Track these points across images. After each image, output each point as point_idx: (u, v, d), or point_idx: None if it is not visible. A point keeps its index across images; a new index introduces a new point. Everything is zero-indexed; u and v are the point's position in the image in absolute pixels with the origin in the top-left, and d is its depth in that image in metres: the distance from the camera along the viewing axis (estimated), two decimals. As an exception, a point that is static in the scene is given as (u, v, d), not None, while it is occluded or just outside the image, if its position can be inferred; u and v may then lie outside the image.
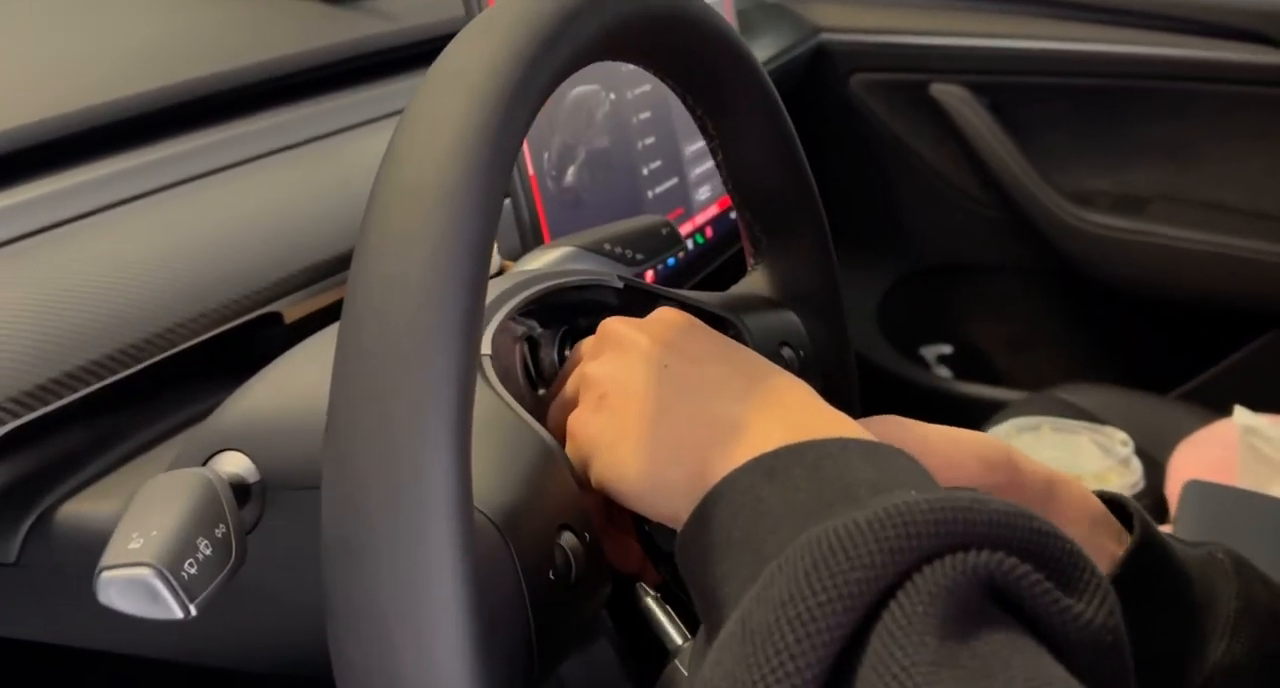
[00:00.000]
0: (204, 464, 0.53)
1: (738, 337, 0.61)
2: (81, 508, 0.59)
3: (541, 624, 0.41)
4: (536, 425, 0.47)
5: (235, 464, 0.53)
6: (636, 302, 0.61)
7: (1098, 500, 0.51)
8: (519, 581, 0.41)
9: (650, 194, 0.96)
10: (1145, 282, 1.59)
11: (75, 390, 0.60)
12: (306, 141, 0.82)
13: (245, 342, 0.71)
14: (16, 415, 0.58)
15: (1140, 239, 1.56)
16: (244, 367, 0.74)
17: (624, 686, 0.51)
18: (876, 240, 1.76)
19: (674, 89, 0.58)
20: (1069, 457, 0.95)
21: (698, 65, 0.57)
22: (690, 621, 0.49)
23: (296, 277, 0.73)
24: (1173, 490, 1.15)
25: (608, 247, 0.68)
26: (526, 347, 0.60)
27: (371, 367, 0.36)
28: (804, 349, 0.64)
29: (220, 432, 0.53)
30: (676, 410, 0.47)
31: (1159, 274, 1.57)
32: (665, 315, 0.53)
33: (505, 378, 0.59)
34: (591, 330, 0.62)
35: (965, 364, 1.74)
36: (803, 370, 0.64)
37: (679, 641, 0.48)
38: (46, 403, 0.59)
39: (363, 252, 0.38)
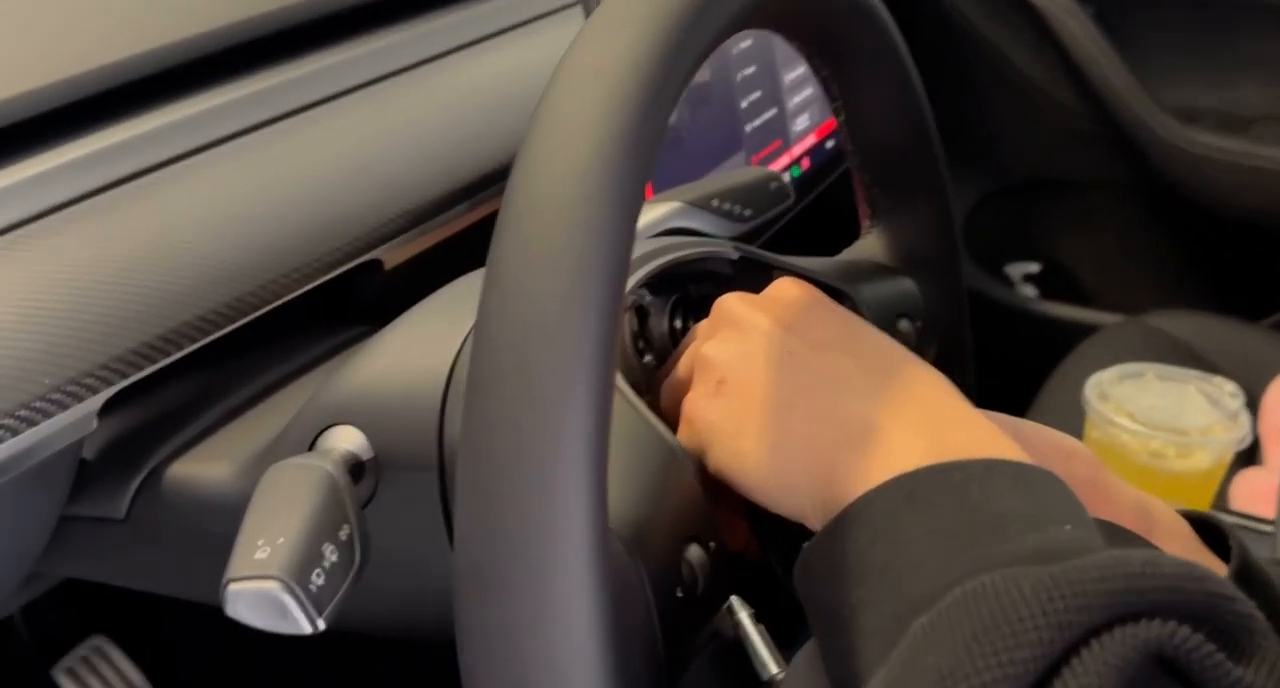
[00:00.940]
0: (316, 439, 0.53)
1: (853, 310, 0.59)
2: (189, 469, 0.59)
3: (670, 641, 0.41)
4: (662, 428, 0.46)
5: (349, 441, 0.52)
6: (751, 270, 0.59)
7: (1187, 524, 0.49)
8: (648, 601, 0.40)
9: (749, 128, 0.93)
10: (1246, 205, 1.53)
11: (180, 347, 0.60)
12: (393, 74, 0.79)
13: (344, 290, 0.70)
14: (123, 375, 0.57)
15: (1244, 161, 1.49)
16: (343, 315, 0.73)
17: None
18: (964, 153, 1.70)
19: (801, 50, 0.55)
20: (1174, 406, 0.93)
21: (832, 29, 0.54)
22: (781, 640, 0.48)
23: (395, 221, 0.72)
24: (1267, 428, 1.12)
25: (715, 202, 0.66)
26: (636, 316, 0.59)
27: (507, 392, 0.35)
28: (921, 319, 0.62)
29: (333, 406, 0.53)
30: (802, 406, 0.45)
31: (1261, 197, 1.51)
32: (786, 292, 0.51)
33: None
34: (703, 300, 0.61)
35: (1052, 283, 1.70)
36: (919, 342, 0.62)
37: (774, 669, 0.46)
38: (152, 362, 0.58)
39: (497, 266, 0.36)
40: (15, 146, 0.62)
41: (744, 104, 0.91)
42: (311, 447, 0.53)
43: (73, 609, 1.20)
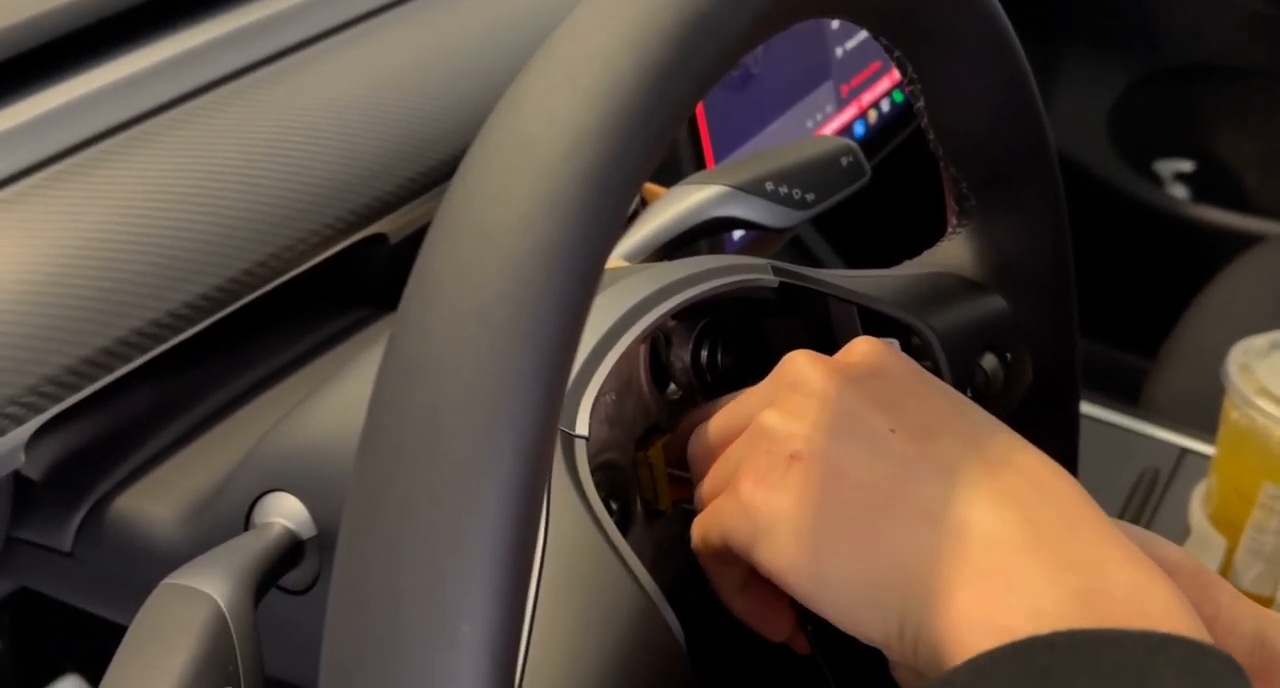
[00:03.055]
0: (253, 506, 0.44)
1: (924, 348, 0.48)
2: (133, 505, 0.51)
3: None
4: (636, 568, 0.35)
5: (287, 514, 0.43)
6: (797, 293, 0.48)
7: None
8: None
9: (840, 51, 0.79)
10: None
11: (129, 359, 0.51)
12: (393, 4, 0.67)
13: (341, 269, 0.61)
14: (56, 399, 0.49)
15: None
16: (340, 298, 0.64)
17: None
18: (1114, 32, 1.51)
19: (863, 27, 0.43)
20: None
21: (908, 6, 0.41)
22: None
23: (403, 187, 0.62)
24: None
25: (769, 186, 0.54)
26: (653, 345, 0.48)
27: (388, 499, 0.26)
28: (1013, 353, 0.50)
29: (269, 470, 0.44)
30: (907, 502, 0.34)
31: None
32: (876, 359, 0.40)
33: (627, 388, 0.47)
34: (737, 327, 0.50)
35: (1207, 184, 1.52)
36: (1007, 384, 0.50)
37: None
38: (93, 379, 0.50)
39: (407, 322, 0.27)
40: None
41: (835, 23, 0.77)
42: (249, 515, 0.45)
43: (45, 648, 1.15)
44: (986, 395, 0.49)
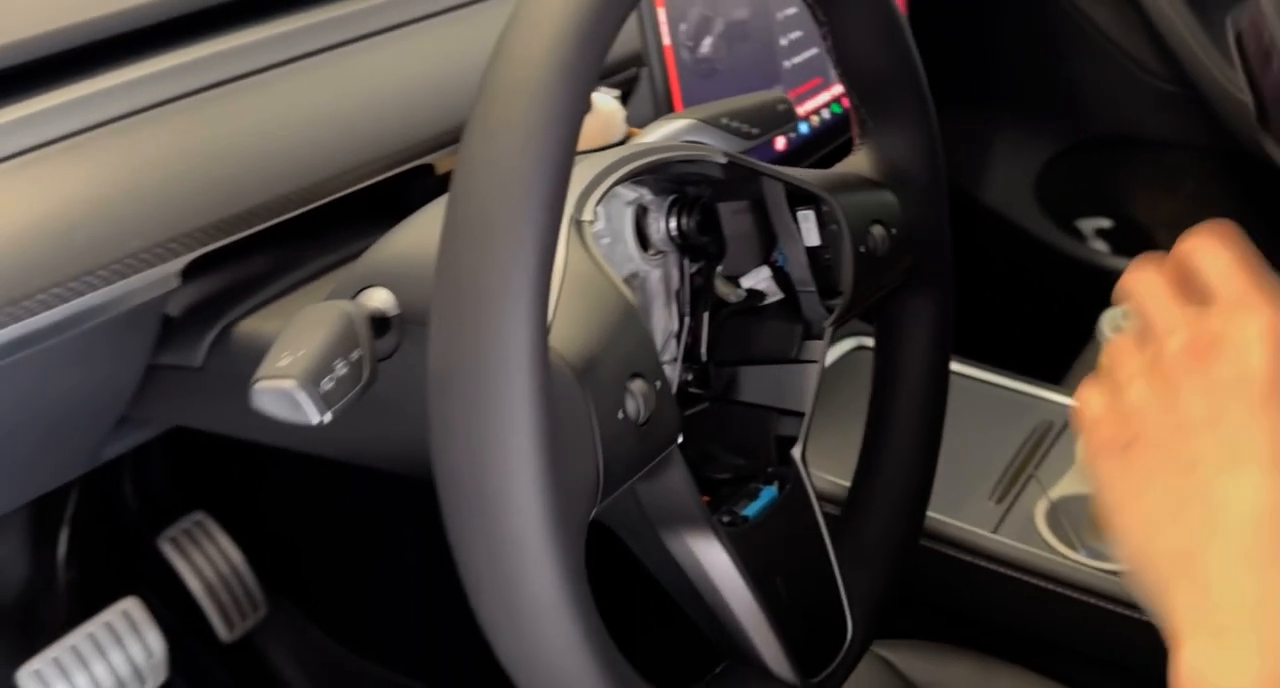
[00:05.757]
0: (354, 297, 0.63)
1: (831, 214, 0.67)
2: (255, 326, 0.69)
3: (609, 455, 0.49)
4: (620, 285, 0.54)
5: (379, 300, 0.61)
6: (740, 177, 0.67)
7: None
8: (590, 415, 0.49)
9: (787, 64, 1.00)
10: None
11: (252, 225, 0.70)
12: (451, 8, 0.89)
13: (401, 190, 0.80)
14: (202, 243, 0.68)
15: (1319, 123, 1.50)
16: (398, 212, 0.83)
17: (693, 508, 0.58)
18: (1042, 108, 1.73)
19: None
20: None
21: None
22: None
23: (449, 132, 0.82)
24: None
25: (725, 120, 0.74)
26: (636, 212, 0.67)
27: (467, 241, 0.44)
28: (895, 227, 0.69)
29: (370, 269, 0.62)
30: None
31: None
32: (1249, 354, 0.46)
33: (615, 240, 0.66)
34: (699, 200, 0.69)
35: (1124, 239, 1.73)
36: (892, 248, 0.69)
37: None
38: (227, 234, 0.69)
39: (469, 136, 0.46)
40: (115, 56, 0.73)
41: (783, 42, 0.98)
42: (350, 305, 0.63)
43: (177, 487, 1.34)
44: (875, 256, 0.68)
